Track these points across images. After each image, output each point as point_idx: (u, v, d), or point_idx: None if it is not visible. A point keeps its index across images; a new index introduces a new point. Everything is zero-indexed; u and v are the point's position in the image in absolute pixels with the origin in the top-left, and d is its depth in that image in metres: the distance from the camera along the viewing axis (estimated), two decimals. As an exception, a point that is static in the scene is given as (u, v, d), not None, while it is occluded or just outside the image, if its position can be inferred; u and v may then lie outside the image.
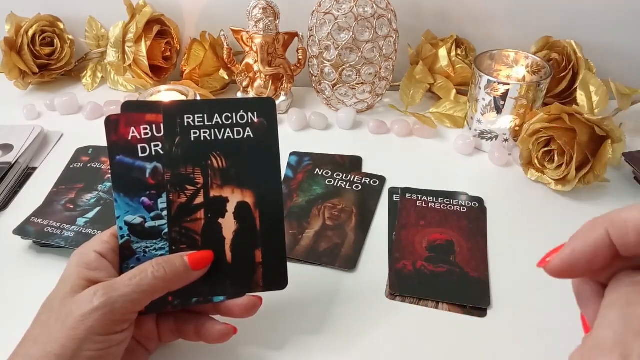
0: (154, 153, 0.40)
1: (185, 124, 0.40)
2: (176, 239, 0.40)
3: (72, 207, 0.57)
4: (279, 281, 0.42)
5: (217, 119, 0.41)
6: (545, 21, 0.75)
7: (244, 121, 0.41)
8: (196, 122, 0.40)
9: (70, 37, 0.83)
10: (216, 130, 0.41)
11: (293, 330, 0.46)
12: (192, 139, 0.40)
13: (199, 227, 0.40)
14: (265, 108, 0.41)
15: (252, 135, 0.41)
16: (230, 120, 0.41)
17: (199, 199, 0.40)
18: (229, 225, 0.41)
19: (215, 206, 0.41)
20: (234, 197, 0.41)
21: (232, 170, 0.41)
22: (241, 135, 0.41)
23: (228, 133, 0.41)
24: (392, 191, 0.61)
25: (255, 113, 0.41)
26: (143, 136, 0.40)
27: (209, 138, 0.41)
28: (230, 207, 0.41)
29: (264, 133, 0.41)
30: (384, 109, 0.78)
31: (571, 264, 0.25)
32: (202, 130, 0.40)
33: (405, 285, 0.49)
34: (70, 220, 0.55)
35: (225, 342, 0.41)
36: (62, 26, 0.82)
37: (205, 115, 0.40)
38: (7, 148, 0.66)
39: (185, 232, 0.40)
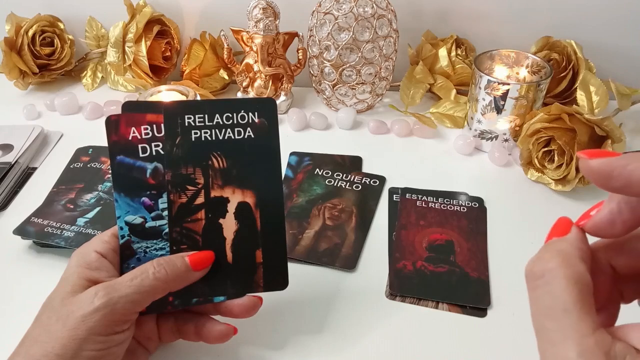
0: (154, 153, 0.40)
1: (186, 124, 0.40)
2: (177, 239, 0.40)
3: (72, 207, 0.57)
4: (279, 281, 0.42)
5: (217, 119, 0.41)
6: (545, 21, 0.75)
7: (245, 121, 0.41)
8: (197, 122, 0.40)
9: (70, 37, 0.83)
10: (217, 130, 0.41)
11: (293, 330, 0.46)
12: (193, 139, 0.40)
13: (200, 227, 0.40)
14: (266, 108, 0.41)
15: (252, 136, 0.41)
16: (231, 121, 0.41)
17: (200, 199, 0.41)
18: (229, 225, 0.41)
19: (216, 206, 0.41)
20: (235, 198, 0.41)
21: (233, 171, 0.41)
22: (242, 135, 0.41)
23: (229, 133, 0.41)
24: (392, 191, 0.61)
25: (256, 113, 0.41)
26: (144, 136, 0.40)
27: (209, 138, 0.41)
28: (231, 207, 0.41)
29: (264, 133, 0.41)
30: (384, 109, 0.78)
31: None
32: (202, 131, 0.40)
33: (405, 285, 0.49)
34: (70, 220, 0.55)
35: (226, 342, 0.41)
36: (62, 26, 0.82)
37: (206, 116, 0.40)
38: (7, 148, 0.66)
39: (186, 232, 0.40)
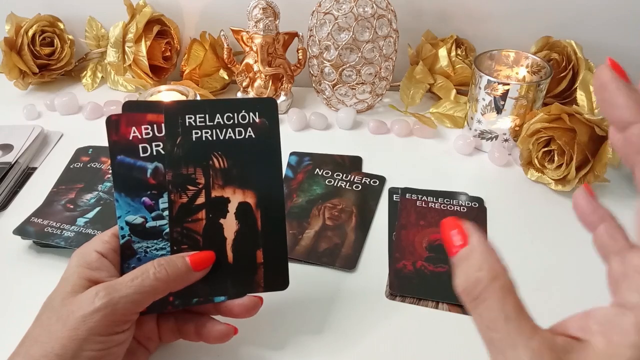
0: (155, 153, 0.40)
1: (187, 124, 0.40)
2: (177, 239, 0.40)
3: (72, 207, 0.57)
4: (280, 282, 0.42)
5: (218, 119, 0.41)
6: (545, 21, 0.75)
7: (246, 121, 0.41)
8: (198, 122, 0.40)
9: (70, 37, 0.83)
10: (218, 130, 0.41)
11: (293, 330, 0.46)
12: (194, 139, 0.40)
13: (201, 227, 0.40)
14: (267, 108, 0.41)
15: (253, 136, 0.41)
16: (232, 121, 0.41)
17: (201, 199, 0.40)
18: (230, 225, 0.41)
19: (217, 206, 0.41)
20: (235, 198, 0.41)
21: (234, 171, 0.41)
22: (242, 135, 0.41)
23: (229, 133, 0.41)
24: (392, 191, 0.61)
25: (257, 113, 0.41)
26: (144, 136, 0.40)
27: (210, 138, 0.41)
28: (232, 207, 0.41)
29: (265, 133, 0.41)
30: (384, 109, 0.78)
31: None
32: (203, 131, 0.40)
33: (405, 285, 0.49)
34: (70, 220, 0.55)
35: (226, 342, 0.41)
36: (62, 26, 0.82)
37: (207, 116, 0.40)
38: (7, 148, 0.66)
39: (187, 232, 0.40)
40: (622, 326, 0.22)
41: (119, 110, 0.40)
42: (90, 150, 0.67)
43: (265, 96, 0.74)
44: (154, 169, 0.40)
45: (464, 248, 0.26)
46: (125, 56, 0.78)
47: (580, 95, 0.66)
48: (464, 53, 0.76)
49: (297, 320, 0.47)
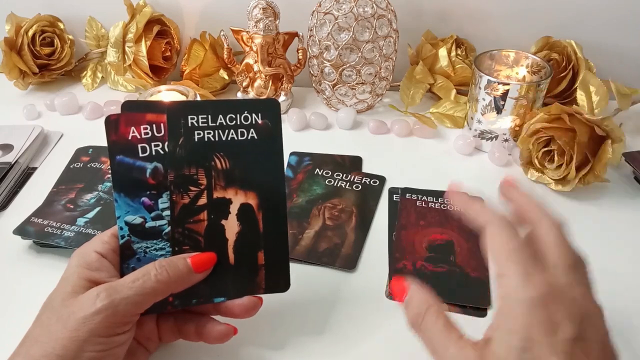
0: (154, 153, 0.40)
1: (189, 124, 0.40)
2: (179, 240, 0.40)
3: (72, 207, 0.57)
4: (281, 284, 0.42)
5: (221, 119, 0.40)
6: (545, 21, 0.75)
7: (248, 122, 0.41)
8: (200, 123, 0.40)
9: (70, 37, 0.83)
10: (220, 131, 0.40)
11: (293, 330, 0.46)
12: (196, 139, 0.40)
13: (202, 228, 0.40)
14: (270, 109, 0.41)
15: (255, 137, 0.41)
16: (234, 122, 0.41)
17: (202, 200, 0.40)
18: (231, 226, 0.41)
19: (218, 207, 0.41)
20: (237, 199, 0.41)
21: (236, 172, 0.41)
22: (245, 136, 0.41)
23: (232, 134, 0.41)
24: (392, 191, 0.61)
25: (260, 114, 0.41)
26: (143, 136, 0.40)
27: (212, 139, 0.40)
28: (234, 208, 0.41)
29: (267, 134, 0.41)
30: (384, 109, 0.78)
31: None
32: (205, 131, 0.40)
33: (406, 285, 0.49)
34: (70, 220, 0.55)
35: (226, 342, 0.41)
36: (62, 26, 0.82)
37: (209, 116, 0.40)
38: (7, 148, 0.66)
39: (188, 233, 0.40)
40: (506, 288, 0.31)
41: (119, 110, 0.40)
42: (90, 150, 0.67)
43: (265, 96, 0.74)
44: (153, 169, 0.40)
45: (407, 296, 0.36)
46: (125, 56, 0.78)
47: (580, 95, 0.66)
48: (464, 53, 0.76)
49: (296, 320, 0.47)
